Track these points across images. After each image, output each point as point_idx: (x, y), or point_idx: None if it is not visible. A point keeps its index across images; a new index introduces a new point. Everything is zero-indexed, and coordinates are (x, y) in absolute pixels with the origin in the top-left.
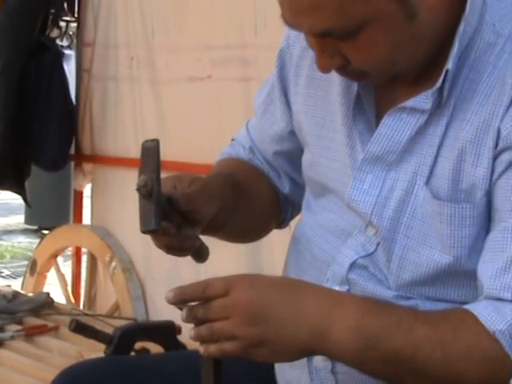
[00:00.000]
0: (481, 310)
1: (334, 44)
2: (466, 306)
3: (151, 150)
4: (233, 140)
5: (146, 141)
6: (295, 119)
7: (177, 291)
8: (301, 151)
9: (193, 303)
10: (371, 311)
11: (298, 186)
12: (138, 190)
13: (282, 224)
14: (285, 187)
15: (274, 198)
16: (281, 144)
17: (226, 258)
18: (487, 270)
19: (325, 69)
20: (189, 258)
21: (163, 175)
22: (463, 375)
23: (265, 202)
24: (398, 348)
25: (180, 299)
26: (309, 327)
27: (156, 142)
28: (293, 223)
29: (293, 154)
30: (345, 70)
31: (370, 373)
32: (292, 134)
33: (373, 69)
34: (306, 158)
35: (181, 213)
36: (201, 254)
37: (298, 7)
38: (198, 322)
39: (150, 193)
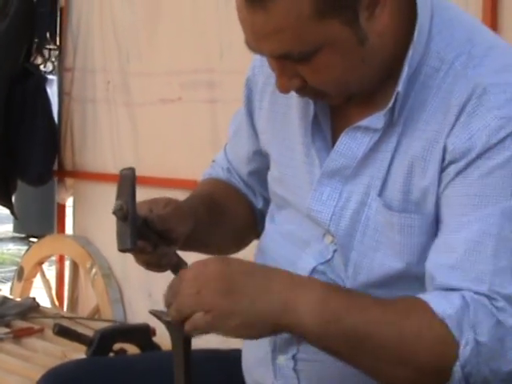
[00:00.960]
0: (432, 297)
1: (292, 66)
2: (418, 295)
3: (127, 177)
4: (213, 161)
5: (123, 169)
6: (261, 140)
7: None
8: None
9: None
10: (333, 291)
11: (268, 202)
12: (114, 213)
13: (258, 236)
14: (259, 203)
15: (250, 213)
16: (251, 164)
17: (193, 256)
18: (438, 266)
19: (284, 89)
20: None
21: (138, 189)
22: (415, 354)
23: (241, 218)
24: (356, 325)
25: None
26: (277, 301)
27: (132, 170)
28: None
29: (262, 173)
30: (303, 90)
31: (331, 350)
32: (259, 154)
33: (328, 89)
34: (271, 174)
35: (157, 232)
36: (178, 270)
37: (259, 33)
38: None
39: (125, 215)
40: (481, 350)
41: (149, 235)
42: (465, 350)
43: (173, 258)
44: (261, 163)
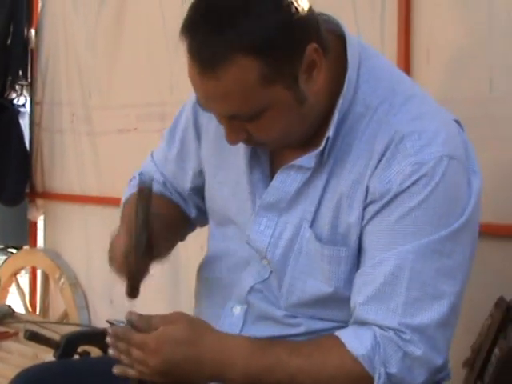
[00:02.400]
0: (347, 337)
1: (239, 124)
2: (336, 333)
3: (146, 190)
4: (140, 173)
5: (142, 180)
6: (204, 160)
7: (111, 329)
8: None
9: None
10: (255, 354)
11: (202, 212)
12: (140, 223)
13: (182, 240)
14: (192, 213)
15: (184, 221)
16: (195, 181)
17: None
18: (358, 298)
19: (232, 142)
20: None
21: (101, 210)
22: None
23: (179, 228)
24: (278, 380)
25: (114, 334)
26: (208, 370)
27: (150, 183)
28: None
29: (202, 189)
30: (248, 141)
31: None
32: (201, 172)
33: (270, 142)
34: (213, 193)
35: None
36: (136, 292)
37: (210, 97)
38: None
39: (145, 226)
40: (392, 381)
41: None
42: (378, 383)
43: (143, 274)
44: (202, 181)
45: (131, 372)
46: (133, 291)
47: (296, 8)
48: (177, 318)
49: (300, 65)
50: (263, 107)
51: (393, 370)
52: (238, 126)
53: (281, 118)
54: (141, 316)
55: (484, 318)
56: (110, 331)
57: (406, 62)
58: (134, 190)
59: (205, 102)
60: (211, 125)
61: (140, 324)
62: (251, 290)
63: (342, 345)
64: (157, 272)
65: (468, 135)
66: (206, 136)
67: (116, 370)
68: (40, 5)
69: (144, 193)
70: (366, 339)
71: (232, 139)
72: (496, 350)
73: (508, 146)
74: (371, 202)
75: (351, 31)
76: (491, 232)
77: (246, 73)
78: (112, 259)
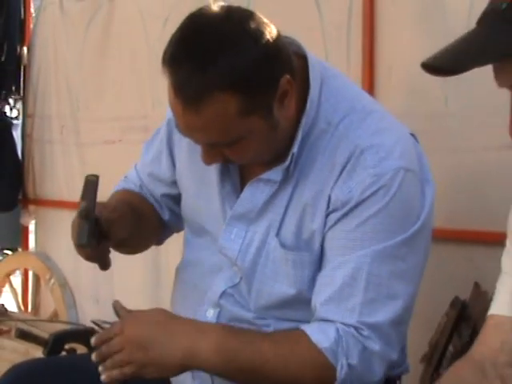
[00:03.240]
0: (311, 331)
1: (217, 149)
2: (302, 327)
3: (92, 182)
4: (125, 177)
5: (89, 175)
6: (178, 174)
7: (95, 338)
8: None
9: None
10: (228, 335)
11: (176, 215)
12: (80, 212)
13: (160, 242)
14: (165, 215)
15: (158, 220)
16: (167, 189)
17: (131, 269)
18: (319, 298)
19: (208, 164)
20: (106, 277)
21: None
22: (300, 380)
23: (152, 222)
24: (250, 361)
25: (98, 342)
26: (181, 351)
27: (96, 177)
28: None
29: (175, 197)
30: (223, 162)
31: (232, 380)
32: (174, 183)
33: (245, 163)
34: (188, 203)
35: (102, 232)
36: (106, 265)
37: (190, 127)
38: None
39: (87, 216)
40: (353, 371)
41: (96, 234)
42: (341, 373)
43: (105, 255)
44: (175, 190)
45: (115, 372)
46: (102, 266)
47: (272, 44)
48: (155, 309)
49: (274, 96)
50: (240, 136)
51: (354, 361)
52: (215, 151)
53: (256, 144)
54: (124, 307)
55: (440, 316)
56: (93, 341)
57: (370, 80)
58: (118, 188)
59: (185, 131)
60: (184, 141)
61: (122, 312)
62: (223, 294)
63: (308, 337)
64: (139, 274)
65: (425, 147)
66: (178, 151)
67: (103, 377)
68: (32, 25)
69: (89, 183)
70: (330, 333)
71: (208, 161)
72: (451, 347)
73: (461, 157)
74: (333, 211)
75: (320, 52)
76: (446, 237)
77: (225, 107)
78: (72, 232)
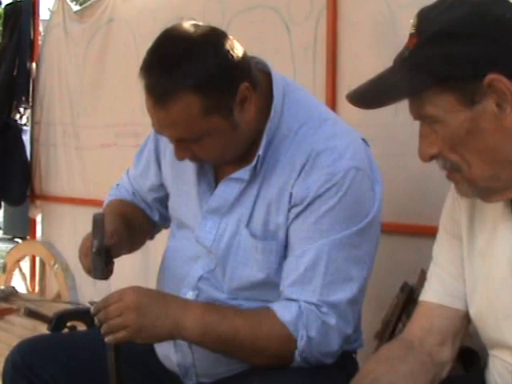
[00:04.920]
0: (277, 307)
1: (186, 144)
2: (269, 305)
3: (99, 221)
4: (117, 185)
5: (96, 214)
6: (164, 177)
7: (95, 306)
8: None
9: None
10: (207, 311)
11: (164, 216)
12: (94, 252)
13: (151, 238)
14: (155, 217)
15: (149, 224)
16: (156, 193)
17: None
18: (285, 282)
19: (179, 158)
20: None
21: (87, 209)
22: (266, 349)
23: (144, 227)
24: (224, 333)
25: (97, 308)
26: (170, 321)
27: (102, 215)
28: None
29: (163, 199)
30: (193, 159)
31: (210, 349)
32: (162, 186)
33: (210, 160)
34: (171, 201)
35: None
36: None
37: (161, 123)
38: (103, 321)
39: (100, 253)
40: (311, 342)
41: (106, 263)
42: (301, 343)
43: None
44: (163, 192)
45: (110, 337)
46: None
47: (232, 55)
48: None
49: (234, 99)
50: (204, 133)
51: (312, 333)
52: (184, 146)
53: (218, 141)
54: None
55: (392, 298)
56: (92, 310)
57: (332, 95)
58: (112, 198)
59: (158, 127)
60: (168, 149)
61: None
62: (201, 278)
63: (274, 312)
64: (131, 261)
65: (377, 152)
66: (164, 158)
67: (107, 339)
68: (40, 43)
69: (97, 222)
70: (293, 309)
71: (179, 156)
72: (400, 325)
73: (408, 161)
74: (294, 206)
75: (289, 70)
76: (397, 230)
77: (189, 106)
78: (80, 256)
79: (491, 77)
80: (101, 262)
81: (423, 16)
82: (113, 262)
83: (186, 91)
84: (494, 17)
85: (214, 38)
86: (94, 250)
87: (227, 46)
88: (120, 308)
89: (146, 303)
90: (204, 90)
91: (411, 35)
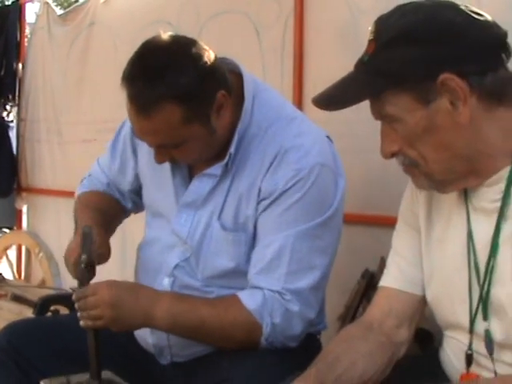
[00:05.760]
0: (243, 295)
1: (166, 149)
2: (236, 293)
3: (88, 235)
4: (90, 175)
5: (85, 227)
6: (140, 169)
7: (75, 294)
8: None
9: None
10: (176, 301)
11: (137, 204)
12: (84, 264)
13: (120, 223)
14: (128, 205)
15: (122, 212)
16: (133, 184)
17: None
18: (253, 271)
19: (159, 163)
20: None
21: (70, 200)
22: (233, 336)
23: (119, 217)
24: (192, 321)
25: (76, 298)
26: (141, 313)
27: (90, 229)
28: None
29: (138, 188)
30: (172, 161)
31: (181, 336)
32: (137, 177)
33: (188, 162)
34: (148, 192)
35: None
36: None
37: (143, 131)
38: (82, 309)
39: (87, 266)
40: (276, 328)
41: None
42: (266, 329)
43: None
44: (138, 183)
45: (89, 323)
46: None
47: (210, 66)
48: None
49: (212, 107)
50: (184, 139)
51: (277, 320)
52: (164, 151)
53: (197, 146)
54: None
55: (354, 284)
56: (73, 297)
57: (299, 94)
58: (85, 189)
59: (140, 134)
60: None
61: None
62: (176, 266)
63: (239, 301)
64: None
65: (341, 147)
66: (140, 150)
67: (81, 323)
68: (26, 45)
69: (86, 236)
70: (258, 297)
71: (159, 160)
72: (361, 308)
73: (369, 157)
74: (263, 199)
75: (259, 71)
76: (359, 220)
77: (171, 116)
78: (66, 262)
79: (444, 76)
80: (88, 275)
81: (380, 23)
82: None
83: (168, 101)
84: (445, 21)
85: (192, 50)
86: (82, 265)
87: (205, 58)
88: (96, 301)
89: (120, 296)
90: (185, 100)
91: (370, 41)
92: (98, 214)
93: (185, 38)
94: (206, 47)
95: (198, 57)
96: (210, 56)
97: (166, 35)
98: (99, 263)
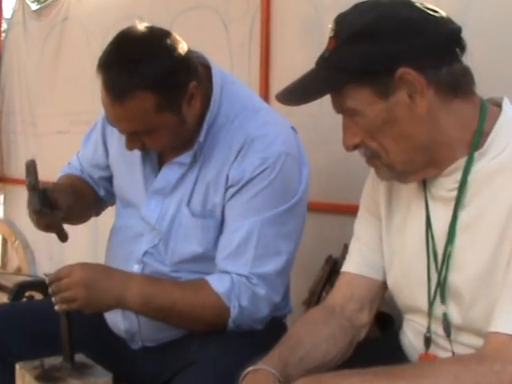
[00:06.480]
0: (212, 279)
1: (137, 136)
2: (205, 277)
3: (32, 165)
4: (69, 163)
5: (28, 160)
6: (110, 159)
7: (49, 278)
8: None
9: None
10: (147, 283)
11: (110, 193)
12: (27, 185)
13: (97, 214)
14: (101, 192)
15: (95, 197)
16: (103, 172)
17: (76, 234)
18: (220, 255)
19: (130, 149)
20: (58, 241)
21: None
22: (202, 318)
23: (91, 199)
24: (163, 303)
25: (50, 281)
26: (114, 294)
27: (33, 161)
28: None
29: (109, 177)
30: (142, 149)
31: (152, 317)
32: (108, 166)
33: (158, 150)
34: (118, 181)
35: (51, 201)
36: (64, 236)
37: (116, 118)
38: (55, 293)
39: (33, 187)
40: (243, 311)
41: (46, 202)
42: (233, 312)
43: (60, 221)
44: (109, 172)
45: (63, 306)
46: (60, 237)
47: (182, 56)
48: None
49: (184, 97)
50: (155, 127)
51: (244, 303)
52: (135, 138)
53: (167, 134)
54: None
55: (318, 270)
56: (47, 280)
57: (265, 86)
58: (62, 173)
59: (113, 121)
60: (115, 133)
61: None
62: (145, 253)
63: (209, 284)
64: (83, 238)
65: (305, 138)
66: (111, 141)
67: (56, 307)
68: (2, 40)
69: (29, 166)
70: (226, 281)
71: (130, 146)
72: (324, 293)
73: (332, 147)
74: (230, 186)
75: (227, 64)
76: (323, 208)
77: (144, 103)
78: (29, 214)
79: (402, 70)
80: (37, 196)
81: (340, 21)
82: (58, 211)
83: (142, 90)
84: (401, 18)
85: (166, 40)
86: (27, 184)
87: (178, 48)
88: (69, 283)
89: (93, 278)
90: (158, 90)
91: (330, 38)
92: (69, 185)
93: (160, 29)
94: (179, 39)
95: (173, 48)
96: (183, 47)
97: (141, 26)
98: (67, 220)
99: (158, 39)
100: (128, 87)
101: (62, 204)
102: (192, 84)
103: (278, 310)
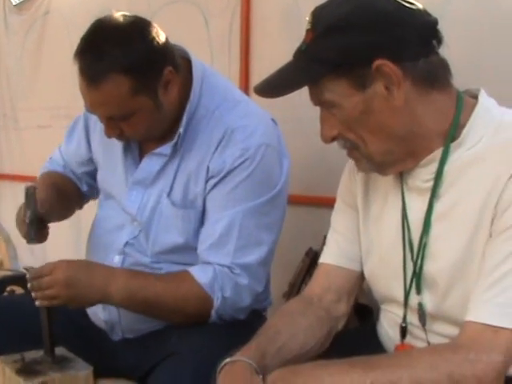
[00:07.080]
0: (194, 271)
1: (115, 122)
2: (188, 269)
3: (31, 194)
4: (50, 158)
5: (28, 186)
6: (93, 152)
7: (29, 274)
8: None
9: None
10: (130, 277)
11: (92, 187)
12: (28, 221)
13: (80, 207)
14: (84, 188)
15: (78, 193)
16: (85, 167)
17: (58, 227)
18: (202, 246)
19: (109, 136)
20: None
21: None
22: (185, 309)
23: (74, 196)
24: (146, 297)
25: (31, 277)
26: (97, 290)
27: (33, 188)
28: None
29: (92, 172)
30: (120, 137)
31: (137, 311)
32: (91, 160)
33: (137, 137)
34: (100, 174)
35: (41, 221)
36: (43, 240)
37: (93, 103)
38: (36, 289)
39: (32, 222)
40: (226, 301)
41: (38, 227)
42: (216, 303)
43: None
44: (92, 166)
45: (45, 302)
46: (37, 240)
47: (157, 41)
48: (78, 260)
49: (159, 82)
50: (132, 111)
51: (227, 293)
52: (113, 124)
53: (145, 119)
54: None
55: (298, 262)
56: (27, 276)
57: (245, 79)
58: (45, 170)
59: (90, 106)
60: (97, 127)
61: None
62: (126, 244)
63: (191, 276)
64: (65, 231)
65: (285, 130)
66: (93, 135)
67: (37, 303)
68: None
69: (29, 194)
70: (208, 272)
71: (108, 133)
72: (304, 286)
73: (312, 140)
74: (211, 177)
75: (207, 58)
76: (303, 201)
77: (119, 86)
78: (17, 224)
79: (378, 62)
80: (35, 230)
81: (317, 13)
82: (47, 227)
83: (116, 73)
84: (378, 10)
85: (140, 26)
86: (27, 220)
87: (153, 34)
88: (51, 281)
89: (75, 276)
90: (132, 72)
91: (307, 31)
92: (51, 186)
93: (135, 16)
94: (155, 25)
95: (146, 32)
96: (158, 33)
97: (117, 14)
98: (48, 220)
99: (132, 24)
100: (102, 71)
101: (48, 220)
102: (167, 69)
103: (258, 302)
